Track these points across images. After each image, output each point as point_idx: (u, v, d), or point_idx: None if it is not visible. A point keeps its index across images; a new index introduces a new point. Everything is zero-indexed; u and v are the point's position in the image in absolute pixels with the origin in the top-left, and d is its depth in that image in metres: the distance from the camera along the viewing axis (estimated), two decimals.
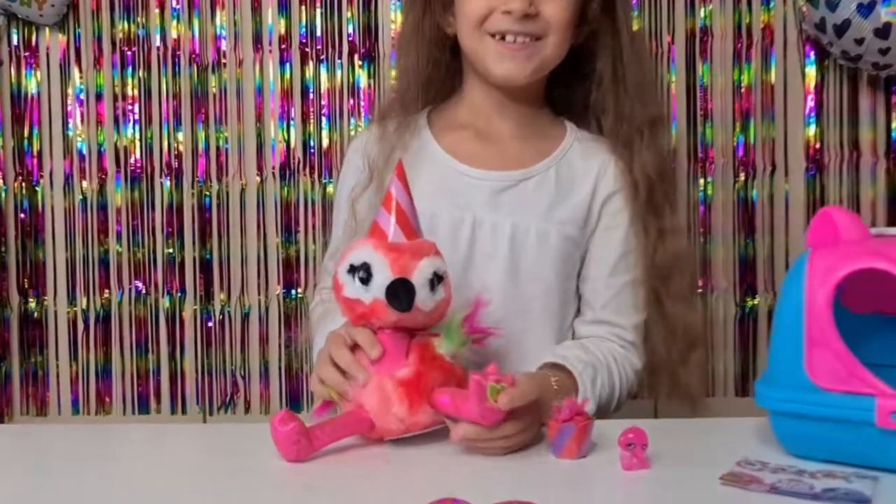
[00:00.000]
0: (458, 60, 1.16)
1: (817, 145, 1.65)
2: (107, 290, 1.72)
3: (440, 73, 1.17)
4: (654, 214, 1.13)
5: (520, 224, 1.09)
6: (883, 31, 1.46)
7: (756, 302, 1.67)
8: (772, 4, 1.65)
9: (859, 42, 1.49)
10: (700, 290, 1.67)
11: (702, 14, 1.66)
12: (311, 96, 1.69)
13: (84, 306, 1.72)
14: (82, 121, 1.71)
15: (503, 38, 1.07)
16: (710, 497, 0.75)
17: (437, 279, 0.91)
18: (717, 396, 1.67)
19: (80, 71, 1.70)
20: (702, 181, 1.66)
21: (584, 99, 1.16)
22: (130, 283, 1.71)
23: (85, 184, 1.71)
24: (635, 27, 1.14)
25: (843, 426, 0.76)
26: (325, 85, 1.68)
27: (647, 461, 0.83)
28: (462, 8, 1.10)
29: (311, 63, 1.68)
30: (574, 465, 0.85)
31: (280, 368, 1.69)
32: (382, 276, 0.89)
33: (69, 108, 1.71)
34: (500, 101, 1.13)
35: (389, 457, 0.90)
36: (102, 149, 1.70)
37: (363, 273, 0.89)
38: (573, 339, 1.13)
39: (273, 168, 1.69)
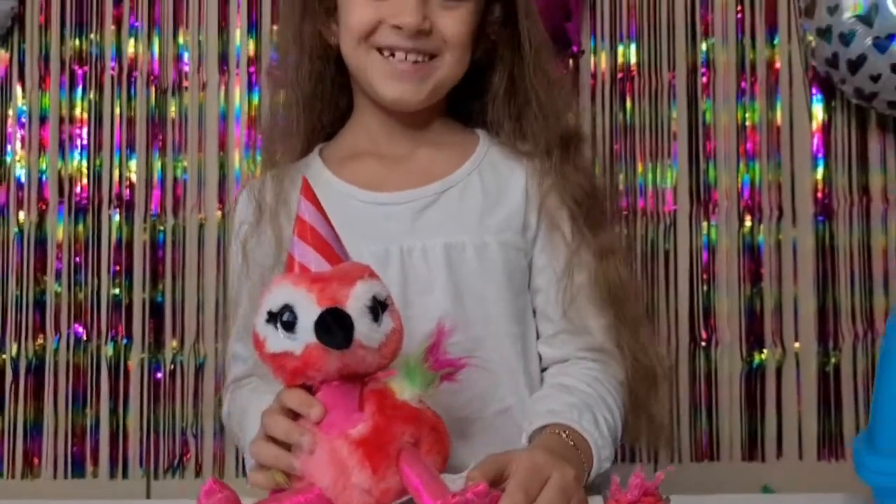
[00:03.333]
0: (346, 77, 1.00)
1: (826, 189, 1.56)
2: (41, 336, 1.56)
3: (325, 90, 1.00)
4: (591, 230, 0.97)
5: (453, 242, 0.94)
6: None
7: (764, 357, 1.55)
8: (776, 40, 1.57)
9: (875, 79, 1.40)
10: (704, 343, 1.55)
11: (703, 48, 1.57)
12: None
13: (14, 353, 1.55)
14: (22, 145, 1.57)
15: (392, 54, 0.93)
16: None
17: (379, 307, 0.73)
18: (722, 461, 1.54)
19: (24, 91, 1.58)
20: (705, 225, 1.55)
21: (482, 115, 1.01)
22: (69, 328, 1.55)
23: (22, 215, 1.56)
24: (542, 38, 0.99)
25: None
26: None
27: None
28: (346, 17, 0.94)
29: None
30: None
31: None
32: (310, 313, 0.71)
33: (8, 130, 1.57)
34: (397, 124, 0.98)
35: None
36: (44, 177, 1.57)
37: (287, 316, 0.71)
38: (541, 363, 0.98)
39: (236, 201, 1.53)
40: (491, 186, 0.97)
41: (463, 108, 1.03)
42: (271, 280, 0.76)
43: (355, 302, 0.71)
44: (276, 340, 0.72)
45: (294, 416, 0.74)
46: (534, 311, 0.98)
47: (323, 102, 1.00)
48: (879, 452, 0.66)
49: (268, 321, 0.73)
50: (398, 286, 0.90)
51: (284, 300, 0.72)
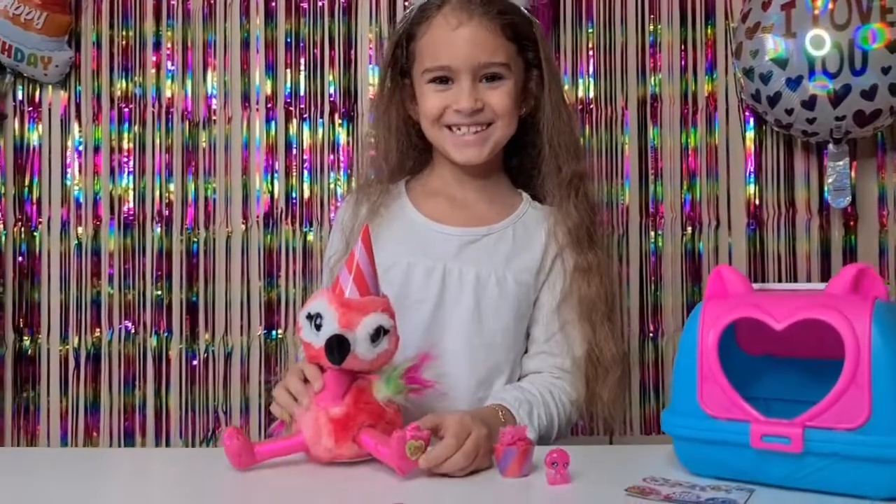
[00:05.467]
0: (426, 140, 1.31)
1: (757, 202, 1.79)
2: (98, 330, 1.82)
3: (410, 154, 1.34)
4: (578, 253, 1.28)
5: (482, 272, 1.25)
6: (809, 103, 1.61)
7: None
8: (714, 75, 1.81)
9: (789, 112, 1.64)
10: (652, 334, 1.81)
11: (652, 82, 1.81)
12: (295, 151, 1.82)
13: (76, 345, 1.82)
14: (80, 171, 1.83)
15: (459, 128, 1.24)
16: None
17: (382, 332, 1.01)
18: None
19: (80, 125, 1.84)
20: (653, 234, 1.80)
21: (532, 162, 1.31)
22: (120, 324, 1.82)
23: (80, 230, 1.83)
24: (566, 97, 1.31)
25: (726, 447, 0.88)
26: (307, 141, 1.82)
27: (568, 477, 0.94)
28: (422, 106, 1.26)
29: (294, 121, 1.82)
30: (512, 482, 0.96)
31: (259, 405, 1.80)
32: (329, 327, 0.99)
33: (68, 159, 1.84)
34: (464, 175, 1.30)
35: (345, 471, 1.01)
36: (98, 197, 1.83)
37: (317, 321, 1.00)
38: (521, 371, 1.27)
39: (257, 217, 1.81)
40: (520, 238, 1.28)
41: (515, 165, 1.33)
42: (319, 290, 1.06)
43: (363, 329, 1.00)
44: (308, 332, 1.02)
45: (306, 380, 1.05)
46: (527, 333, 1.28)
47: (408, 161, 1.34)
48: (676, 414, 0.93)
49: (307, 317, 1.02)
50: (437, 292, 1.23)
51: (319, 309, 1.01)
